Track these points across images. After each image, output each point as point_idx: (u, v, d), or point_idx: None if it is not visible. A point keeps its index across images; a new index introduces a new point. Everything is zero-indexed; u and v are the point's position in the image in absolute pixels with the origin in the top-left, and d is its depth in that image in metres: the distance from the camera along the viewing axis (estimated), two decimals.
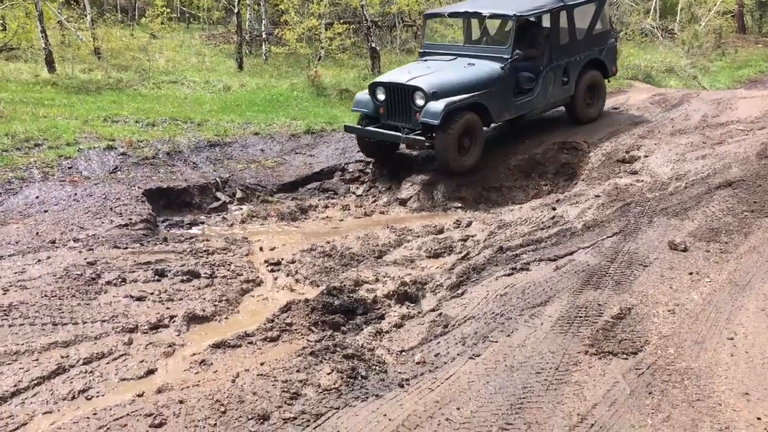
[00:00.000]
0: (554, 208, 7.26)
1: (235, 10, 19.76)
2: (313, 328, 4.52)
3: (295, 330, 4.49)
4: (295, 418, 3.30)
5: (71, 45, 19.75)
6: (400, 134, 8.25)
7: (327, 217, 7.88)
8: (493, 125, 9.28)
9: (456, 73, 8.53)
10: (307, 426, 3.25)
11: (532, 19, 9.35)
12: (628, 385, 3.73)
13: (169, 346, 4.25)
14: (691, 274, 5.14)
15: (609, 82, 10.82)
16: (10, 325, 4.17)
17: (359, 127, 8.80)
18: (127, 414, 3.30)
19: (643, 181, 7.70)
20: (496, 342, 4.24)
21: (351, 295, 4.96)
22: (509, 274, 5.37)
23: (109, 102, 12.89)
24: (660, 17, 25.26)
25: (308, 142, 10.08)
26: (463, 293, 5.10)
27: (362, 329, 4.53)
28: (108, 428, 3.18)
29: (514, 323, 4.48)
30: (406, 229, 7.06)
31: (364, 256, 6.01)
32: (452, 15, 10.13)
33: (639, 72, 15.90)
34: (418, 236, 6.72)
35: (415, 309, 4.94)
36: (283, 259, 6.17)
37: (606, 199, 7.29)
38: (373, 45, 17.67)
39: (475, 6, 9.55)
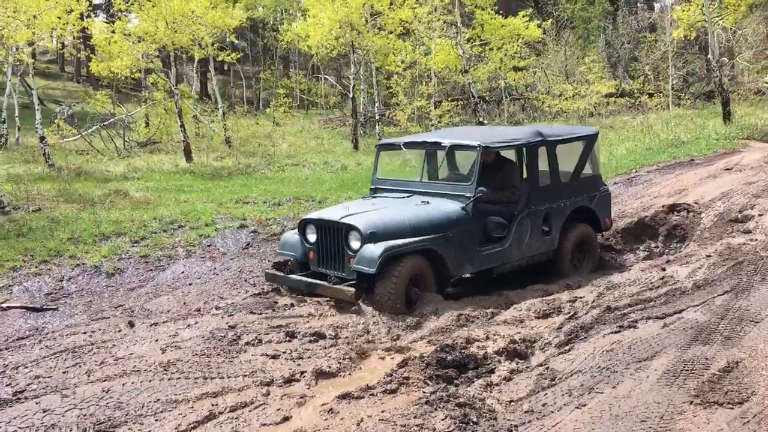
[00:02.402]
0: (664, 269, 7.36)
1: (350, 95, 21.12)
2: (428, 381, 4.92)
3: (412, 383, 4.90)
4: None
5: (205, 136, 21.82)
6: (325, 283, 6.76)
7: None
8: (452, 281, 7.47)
9: (404, 212, 7.05)
10: None
11: (502, 153, 7.87)
12: None
13: (301, 397, 4.78)
14: None
15: (603, 237, 9.06)
16: (169, 379, 4.87)
17: (280, 274, 7.34)
18: None
19: (756, 240, 7.65)
20: (602, 393, 4.46)
21: (463, 351, 5.35)
22: (616, 332, 5.56)
23: (239, 186, 14.19)
24: None
25: None
26: (570, 349, 5.35)
27: (473, 382, 4.88)
28: None
29: (620, 376, 4.68)
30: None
31: (476, 317, 6.38)
32: (409, 146, 8.21)
33: (756, 131, 15.54)
34: (527, 298, 7.01)
35: (523, 364, 5.24)
36: None
37: (718, 258, 7.31)
38: (481, 119, 18.32)
39: (438, 136, 8.22)
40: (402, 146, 8.20)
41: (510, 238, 7.49)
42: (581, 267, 8.32)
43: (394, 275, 6.56)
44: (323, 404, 4.64)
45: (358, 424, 4.15)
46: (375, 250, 6.46)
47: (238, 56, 25.44)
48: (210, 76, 25.04)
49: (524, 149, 7.94)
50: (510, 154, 8.26)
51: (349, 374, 5.29)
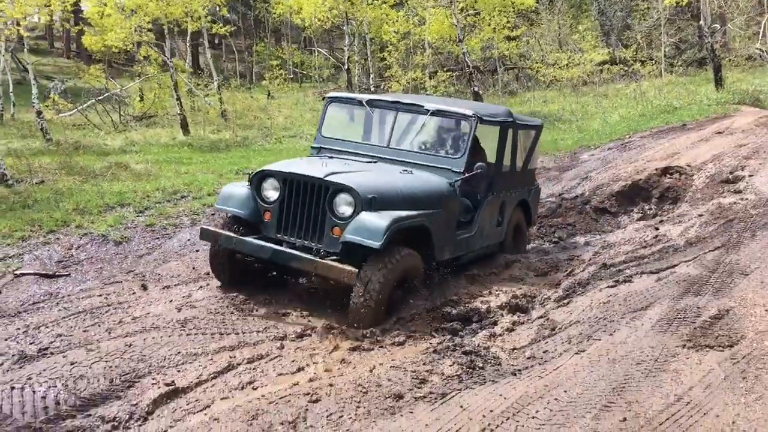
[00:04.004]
0: (657, 228, 7.60)
1: (345, 67, 21.16)
2: (434, 333, 5.16)
3: (419, 335, 5.15)
4: (424, 397, 3.94)
5: (201, 110, 21.85)
6: (312, 257, 5.34)
7: None
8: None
9: (395, 179, 5.91)
10: (435, 402, 3.87)
11: (489, 126, 6.88)
12: (723, 372, 4.11)
13: (314, 350, 5.01)
14: None
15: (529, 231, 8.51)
16: (187, 334, 5.09)
17: (229, 234, 5.74)
18: (289, 394, 4.06)
19: (747, 199, 7.89)
20: (600, 340, 4.71)
21: (467, 305, 5.59)
22: (612, 286, 5.81)
23: (238, 157, 14.32)
24: None
25: None
26: (568, 303, 5.61)
27: (477, 333, 5.13)
28: (276, 403, 3.94)
29: (616, 325, 4.94)
30: None
31: (479, 275, 6.62)
32: (375, 104, 6.88)
33: (747, 96, 15.76)
34: (527, 258, 7.25)
35: (525, 317, 5.48)
36: None
37: (709, 217, 7.56)
38: (476, 89, 18.42)
39: (412, 99, 7.01)
40: (365, 104, 6.86)
41: (476, 224, 6.72)
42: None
43: (391, 259, 5.31)
44: (335, 356, 4.88)
45: (371, 371, 4.39)
46: (380, 219, 5.24)
47: (232, 29, 25.36)
48: (202, 50, 25.00)
49: (499, 128, 6.99)
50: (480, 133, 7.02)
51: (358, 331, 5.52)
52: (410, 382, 4.17)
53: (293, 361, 4.79)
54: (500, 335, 5.07)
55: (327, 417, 3.71)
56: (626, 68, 25.98)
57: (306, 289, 6.42)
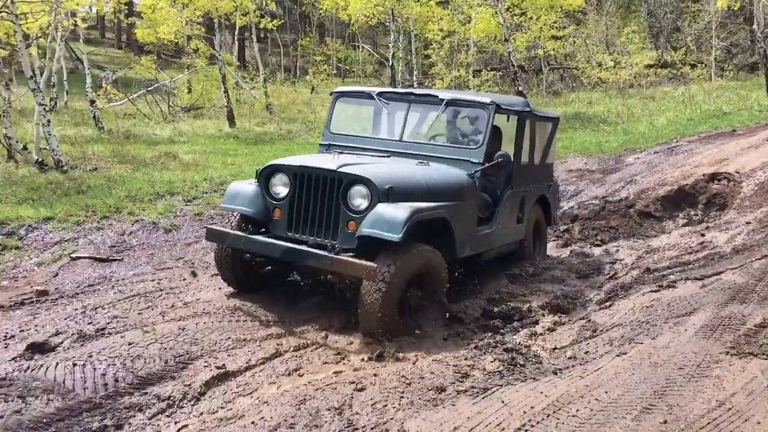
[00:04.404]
0: (703, 234, 7.55)
1: (389, 64, 21.26)
2: (476, 330, 5.25)
3: (460, 332, 5.24)
4: (466, 391, 4.03)
5: (246, 102, 22.22)
6: (326, 254, 4.95)
7: None
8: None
9: (412, 170, 5.66)
10: (477, 396, 3.96)
11: (505, 115, 6.62)
12: (766, 380, 4.11)
13: (354, 342, 5.14)
14: None
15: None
16: (236, 321, 5.28)
17: (237, 233, 5.46)
18: (334, 382, 4.20)
19: None
20: (642, 343, 4.74)
21: (508, 304, 5.66)
22: (655, 291, 5.81)
23: (282, 150, 14.56)
24: None
25: None
26: (610, 306, 5.63)
27: (519, 331, 5.20)
28: (322, 390, 4.08)
29: (659, 329, 4.95)
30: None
31: (520, 275, 6.68)
32: (385, 97, 6.51)
33: None
34: (569, 260, 7.27)
35: (566, 318, 5.53)
36: None
37: (757, 225, 7.48)
38: (520, 89, 18.35)
39: (425, 91, 6.69)
40: (376, 97, 6.49)
41: (496, 220, 6.37)
42: (536, 255, 7.46)
43: (407, 255, 4.94)
44: (376, 347, 5.00)
45: (414, 363, 4.51)
46: (398, 211, 4.90)
47: (279, 23, 25.70)
48: (249, 43, 25.40)
49: (517, 118, 6.68)
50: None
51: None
52: (452, 375, 4.27)
53: (337, 351, 4.93)
54: (541, 334, 5.13)
55: (372, 405, 3.83)
56: (674, 71, 25.55)
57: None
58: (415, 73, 22.61)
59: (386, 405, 3.84)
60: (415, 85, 22.18)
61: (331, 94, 6.97)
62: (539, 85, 25.19)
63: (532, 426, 3.65)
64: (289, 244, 5.14)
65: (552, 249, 8.28)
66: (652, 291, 5.81)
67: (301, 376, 4.53)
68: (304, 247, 5.09)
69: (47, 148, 11.23)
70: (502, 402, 3.89)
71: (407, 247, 4.97)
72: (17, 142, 11.38)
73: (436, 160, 6.01)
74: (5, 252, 7.51)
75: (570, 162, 12.91)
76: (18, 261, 7.31)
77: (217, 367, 4.45)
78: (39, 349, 4.62)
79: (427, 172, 5.68)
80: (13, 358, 4.51)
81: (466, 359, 4.56)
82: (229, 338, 4.93)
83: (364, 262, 4.76)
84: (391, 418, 3.68)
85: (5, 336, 4.98)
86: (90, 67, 19.25)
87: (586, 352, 4.71)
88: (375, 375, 4.28)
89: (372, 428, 3.56)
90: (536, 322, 5.39)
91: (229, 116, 18.46)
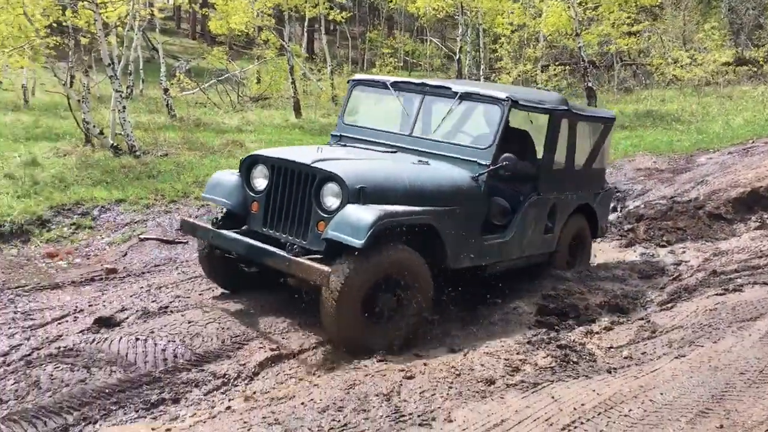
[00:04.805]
0: None
1: (457, 57, 21.15)
2: (530, 326, 5.21)
3: (514, 327, 5.21)
4: (516, 385, 4.01)
5: (312, 94, 22.50)
6: (285, 254, 4.63)
7: None
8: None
9: (401, 169, 5.21)
10: (527, 391, 3.93)
11: (525, 112, 6.13)
12: None
13: None
14: None
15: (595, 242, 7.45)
16: (292, 305, 5.40)
17: (206, 226, 5.26)
18: (384, 369, 4.26)
19: None
20: (702, 347, 4.60)
21: (564, 300, 5.59)
22: (721, 294, 5.63)
23: None
24: None
25: None
26: (672, 307, 5.48)
27: (574, 329, 5.13)
28: (372, 376, 4.12)
29: (722, 333, 4.79)
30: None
31: (580, 271, 6.57)
32: (399, 87, 6.12)
33: None
34: (632, 259, 7.11)
35: (624, 317, 5.42)
36: None
37: None
38: (590, 84, 17.96)
39: (440, 82, 6.27)
40: (389, 86, 6.12)
41: (513, 229, 5.78)
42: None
43: (370, 259, 4.52)
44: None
45: (465, 355, 4.51)
46: (365, 214, 4.49)
47: (348, 16, 25.90)
48: (318, 35, 25.72)
49: (549, 117, 6.08)
50: (524, 123, 6.54)
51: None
52: (503, 369, 4.25)
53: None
54: (597, 333, 5.05)
55: (420, 393, 3.86)
56: (755, 69, 24.48)
57: None
58: (482, 67, 22.41)
59: (434, 394, 3.86)
60: (482, 79, 22.01)
61: (348, 82, 6.67)
62: (610, 81, 24.57)
63: (582, 423, 3.60)
64: (252, 241, 4.83)
65: (614, 249, 8.10)
66: (717, 294, 5.63)
67: (350, 361, 4.59)
68: (266, 246, 4.73)
69: (122, 133, 11.67)
70: (552, 397, 3.85)
71: (372, 249, 4.50)
72: (94, 126, 11.86)
73: (444, 159, 5.57)
74: (79, 231, 7.88)
75: (638, 160, 12.56)
76: (91, 240, 7.66)
77: (272, 349, 4.57)
78: (105, 323, 4.85)
79: (417, 172, 5.22)
80: (80, 331, 4.75)
81: (518, 353, 4.53)
82: (285, 321, 5.04)
83: (319, 265, 4.40)
84: (439, 407, 3.70)
85: (75, 309, 5.24)
86: (165, 56, 19.88)
87: (644, 353, 4.60)
88: (425, 364, 4.31)
89: (419, 416, 3.58)
90: (593, 321, 5.30)
91: (295, 107, 18.74)
